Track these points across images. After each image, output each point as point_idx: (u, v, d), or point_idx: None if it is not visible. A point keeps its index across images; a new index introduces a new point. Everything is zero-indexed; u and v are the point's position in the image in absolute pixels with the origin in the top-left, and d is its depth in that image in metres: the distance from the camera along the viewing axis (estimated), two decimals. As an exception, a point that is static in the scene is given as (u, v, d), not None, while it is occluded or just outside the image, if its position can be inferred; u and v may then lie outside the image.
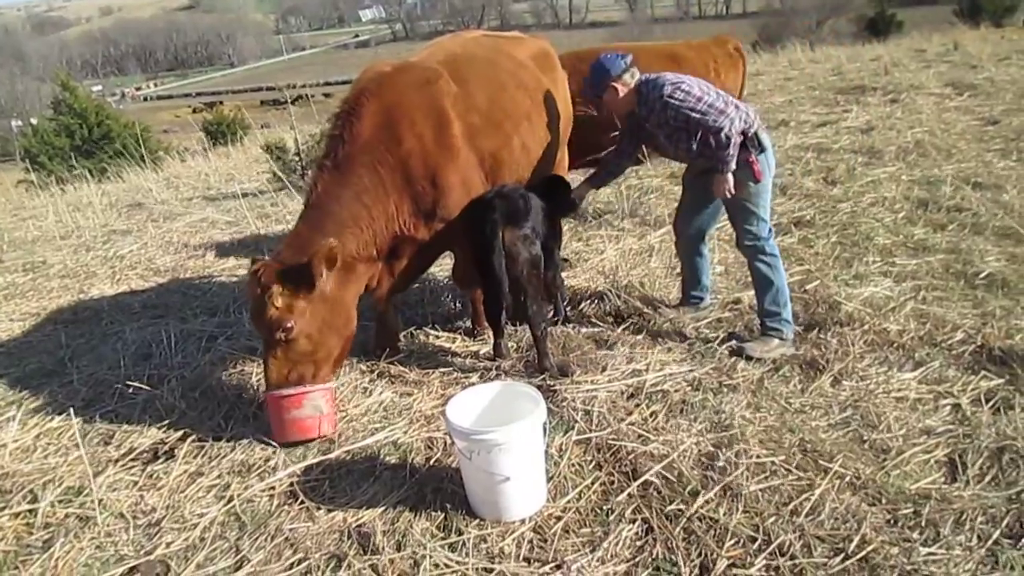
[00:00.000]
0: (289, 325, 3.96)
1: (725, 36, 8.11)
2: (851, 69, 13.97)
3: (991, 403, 4.08)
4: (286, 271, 4.00)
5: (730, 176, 4.54)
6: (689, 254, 5.21)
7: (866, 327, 4.84)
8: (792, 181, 7.87)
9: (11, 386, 5.10)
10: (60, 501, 3.86)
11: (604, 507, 3.53)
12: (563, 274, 5.55)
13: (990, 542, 3.14)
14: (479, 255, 4.49)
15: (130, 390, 4.84)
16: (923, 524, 3.26)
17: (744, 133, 4.50)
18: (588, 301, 5.56)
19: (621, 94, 4.73)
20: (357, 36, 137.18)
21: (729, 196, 4.60)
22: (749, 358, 4.64)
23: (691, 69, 6.30)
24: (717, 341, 4.86)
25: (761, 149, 4.60)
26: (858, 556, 3.10)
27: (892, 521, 3.31)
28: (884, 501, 3.42)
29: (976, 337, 4.67)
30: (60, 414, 4.61)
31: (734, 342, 4.82)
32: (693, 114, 4.45)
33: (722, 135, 4.41)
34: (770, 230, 4.75)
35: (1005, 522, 3.24)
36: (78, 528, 3.66)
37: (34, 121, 39.36)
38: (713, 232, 5.33)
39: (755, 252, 4.74)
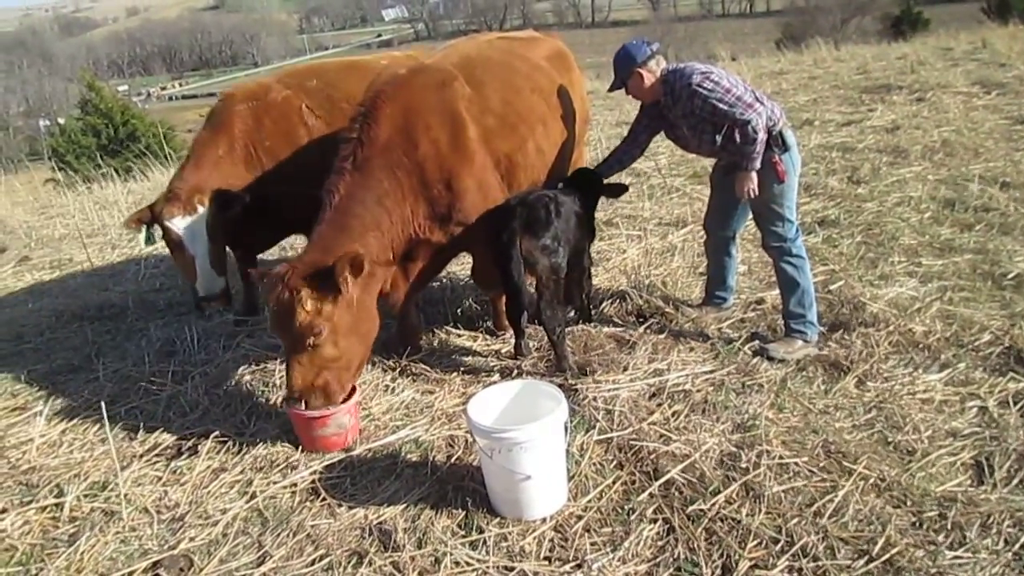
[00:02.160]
0: (319, 330, 3.91)
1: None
2: (876, 68, 13.82)
3: (1019, 405, 4.02)
4: (315, 274, 3.92)
5: (754, 175, 4.49)
6: (718, 253, 5.18)
7: (891, 328, 4.79)
8: (817, 180, 7.80)
9: (38, 382, 5.17)
10: (86, 495, 3.91)
11: (625, 507, 3.52)
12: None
13: (1017, 546, 3.11)
14: (498, 262, 4.49)
15: (154, 386, 4.89)
16: (949, 527, 3.23)
17: (768, 131, 4.45)
18: (610, 300, 5.54)
19: (647, 82, 4.67)
20: (380, 36, 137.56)
21: (752, 196, 4.56)
22: (772, 359, 4.60)
23: None
24: (740, 341, 4.83)
25: (785, 148, 4.54)
26: (882, 559, 3.07)
27: (917, 523, 3.28)
28: (909, 503, 3.39)
29: (1003, 338, 4.61)
30: (86, 410, 4.67)
31: (757, 342, 4.79)
32: (720, 105, 4.40)
33: (748, 128, 4.35)
34: (797, 230, 4.70)
35: (1033, 526, 3.19)
36: (103, 522, 3.71)
37: (61, 121, 39.87)
38: (741, 231, 5.28)
39: (781, 253, 4.69)
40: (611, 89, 4.89)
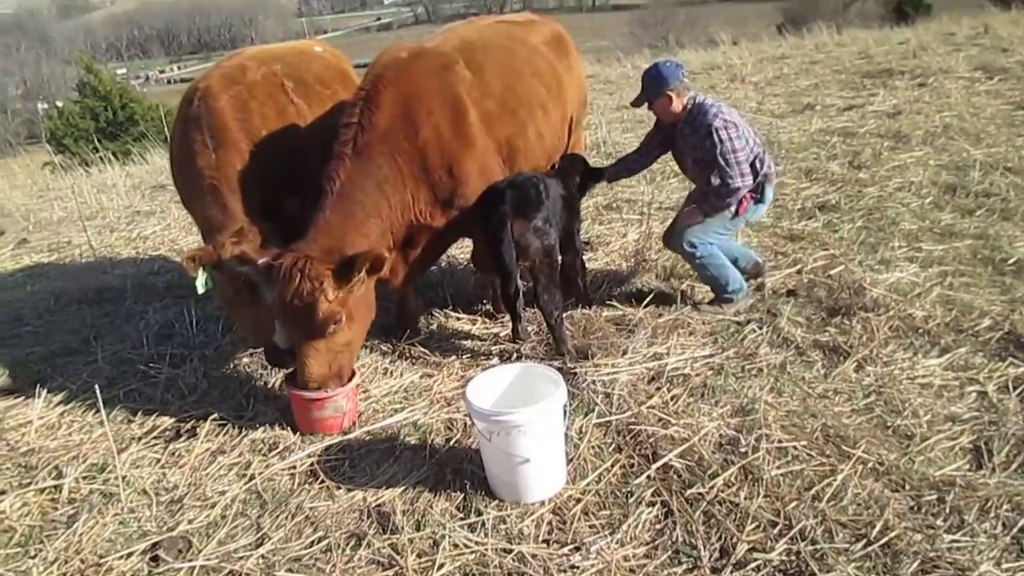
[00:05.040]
0: (339, 318, 3.92)
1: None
2: (878, 52, 13.73)
3: (1018, 390, 4.01)
4: (336, 263, 3.91)
5: (702, 215, 4.87)
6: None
7: (891, 313, 4.78)
8: (818, 165, 7.77)
9: (37, 364, 5.17)
10: (84, 477, 3.92)
11: (624, 490, 3.52)
12: (585, 256, 5.54)
13: (1015, 530, 3.10)
14: (490, 246, 4.48)
15: (153, 369, 4.88)
16: (947, 511, 3.23)
17: (754, 176, 4.78)
18: (610, 284, 5.53)
19: (675, 106, 4.83)
20: (379, 19, 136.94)
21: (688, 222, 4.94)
22: (704, 313, 5.00)
23: None
24: (743, 324, 4.83)
25: (759, 200, 4.90)
26: (880, 542, 3.07)
27: (916, 507, 3.28)
28: (908, 487, 3.38)
29: (1003, 324, 4.60)
30: (84, 392, 4.67)
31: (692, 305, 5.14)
32: (721, 160, 4.65)
33: (728, 191, 4.70)
34: (705, 248, 4.92)
35: (1031, 510, 3.19)
36: (102, 504, 3.71)
37: (60, 104, 39.67)
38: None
39: (690, 256, 4.97)
40: (635, 104, 4.99)
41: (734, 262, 5.24)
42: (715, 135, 4.65)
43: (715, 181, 4.74)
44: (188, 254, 4.09)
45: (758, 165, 4.81)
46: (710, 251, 4.93)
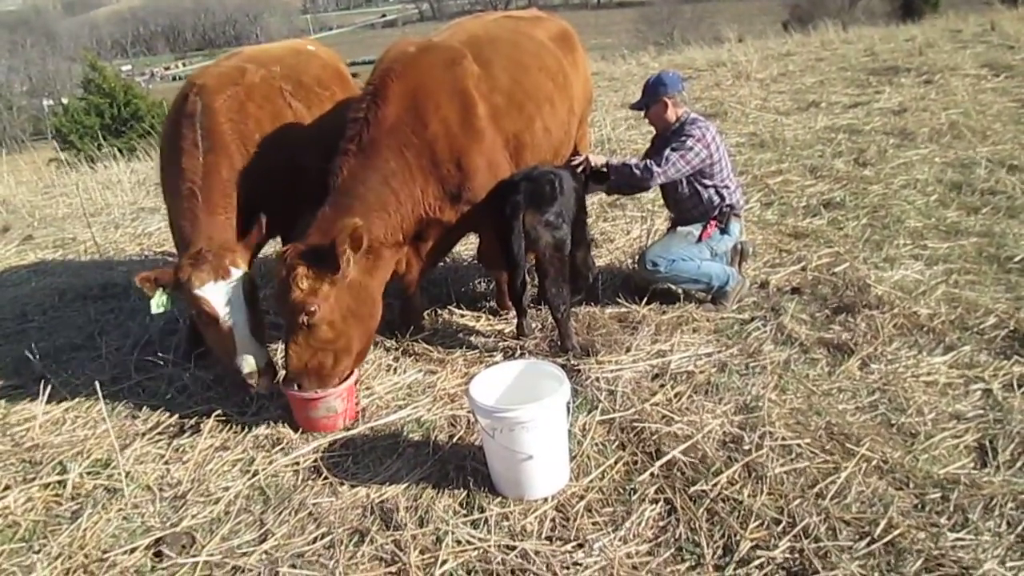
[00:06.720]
0: (312, 309, 3.86)
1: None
2: (884, 50, 13.70)
3: (1023, 388, 4.00)
4: (311, 252, 3.90)
5: (596, 165, 4.96)
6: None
7: (896, 310, 4.77)
8: (822, 163, 7.75)
9: (41, 360, 5.16)
10: (88, 473, 3.93)
11: (627, 487, 3.52)
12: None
13: (1020, 528, 3.10)
14: (500, 236, 4.48)
15: (157, 365, 4.89)
16: (951, 509, 3.22)
17: (719, 207, 5.03)
18: (614, 281, 5.53)
19: (668, 113, 5.02)
20: (384, 15, 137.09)
21: (584, 165, 4.96)
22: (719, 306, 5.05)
23: None
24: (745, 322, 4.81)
25: (723, 231, 5.09)
26: (884, 540, 3.07)
27: (920, 506, 3.27)
28: (912, 485, 3.38)
29: (1009, 322, 4.58)
30: (88, 388, 4.67)
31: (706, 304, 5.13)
32: (668, 150, 4.85)
33: (641, 174, 4.83)
34: (667, 269, 5.00)
35: (1036, 508, 3.18)
36: (106, 499, 3.72)
37: (65, 100, 39.72)
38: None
39: (652, 273, 5.04)
40: (634, 107, 5.22)
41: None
42: (683, 136, 4.87)
43: (644, 163, 4.87)
44: (144, 275, 3.97)
45: (716, 197, 5.02)
46: (672, 265, 4.99)
